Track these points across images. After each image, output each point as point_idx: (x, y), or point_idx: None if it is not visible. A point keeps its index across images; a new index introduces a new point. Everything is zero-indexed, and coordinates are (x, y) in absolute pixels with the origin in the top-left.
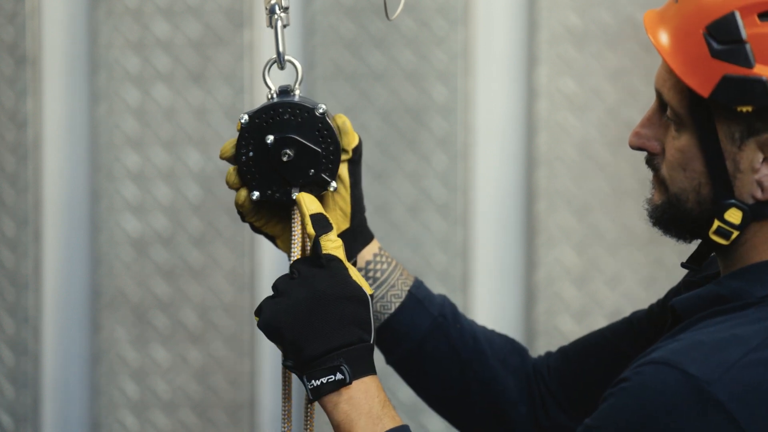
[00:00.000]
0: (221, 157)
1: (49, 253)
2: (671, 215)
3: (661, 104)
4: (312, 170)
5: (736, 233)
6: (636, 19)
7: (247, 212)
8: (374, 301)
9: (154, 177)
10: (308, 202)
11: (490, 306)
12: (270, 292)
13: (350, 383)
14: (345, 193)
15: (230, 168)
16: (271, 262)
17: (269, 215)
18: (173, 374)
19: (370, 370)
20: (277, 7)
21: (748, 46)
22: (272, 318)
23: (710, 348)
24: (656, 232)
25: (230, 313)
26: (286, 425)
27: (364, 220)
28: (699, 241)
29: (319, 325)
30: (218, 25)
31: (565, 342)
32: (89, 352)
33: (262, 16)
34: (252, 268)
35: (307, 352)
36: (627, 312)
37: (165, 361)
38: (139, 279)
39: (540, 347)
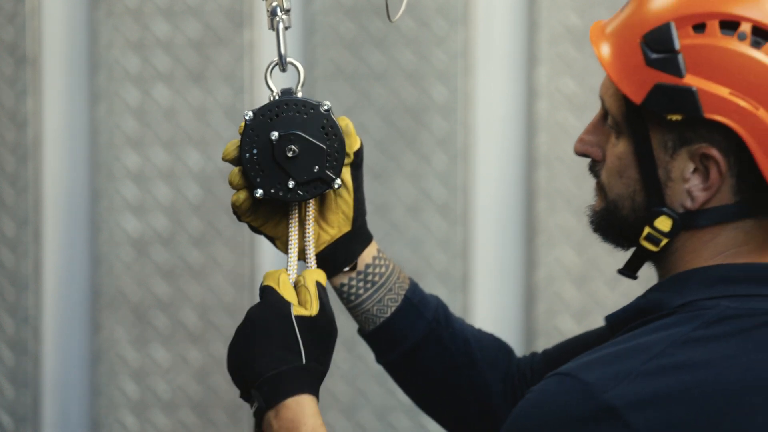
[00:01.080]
0: (224, 159)
1: (49, 253)
2: (609, 221)
3: (604, 112)
4: (317, 167)
5: (665, 240)
6: None
7: (243, 213)
8: (371, 304)
9: (154, 177)
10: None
11: (490, 306)
12: None
13: (265, 408)
14: (348, 197)
15: (234, 169)
16: (271, 262)
17: (266, 216)
18: (173, 374)
19: (298, 390)
20: (278, 9)
21: (680, 57)
22: (228, 352)
23: (613, 357)
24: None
25: (230, 313)
26: None
27: (364, 223)
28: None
29: (249, 352)
30: (218, 25)
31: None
32: (89, 352)
33: (262, 16)
34: (252, 268)
35: (242, 380)
36: None
37: (165, 361)
38: (139, 279)
39: (540, 347)
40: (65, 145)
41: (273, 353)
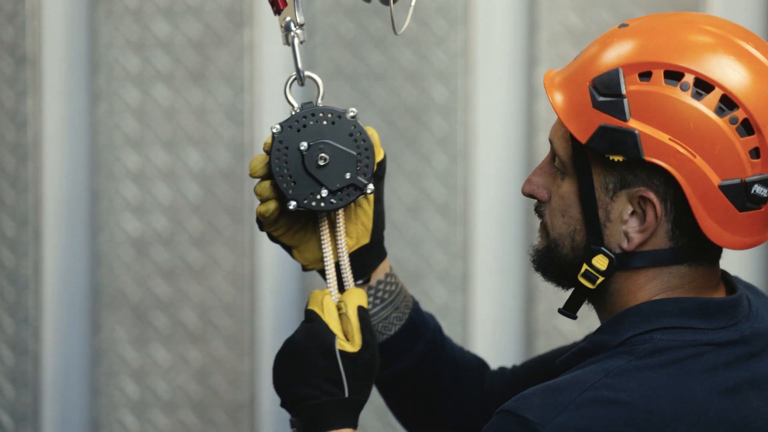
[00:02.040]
0: (252, 176)
1: (49, 253)
2: (549, 260)
3: (552, 154)
4: (348, 174)
5: (601, 278)
6: None
7: (268, 224)
8: (377, 321)
9: (154, 177)
10: None
11: (490, 306)
12: (270, 293)
13: None
14: (368, 208)
15: (263, 182)
16: (271, 262)
17: (288, 225)
18: (173, 374)
19: (337, 424)
20: (292, 24)
21: (626, 101)
22: (273, 370)
23: (550, 391)
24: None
25: (230, 313)
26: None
27: (382, 238)
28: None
29: (291, 376)
30: (218, 25)
31: (564, 342)
32: (89, 352)
33: (262, 16)
34: (252, 268)
35: (281, 399)
36: None
37: (165, 361)
38: (139, 279)
39: (540, 347)
40: (65, 145)
41: (316, 383)
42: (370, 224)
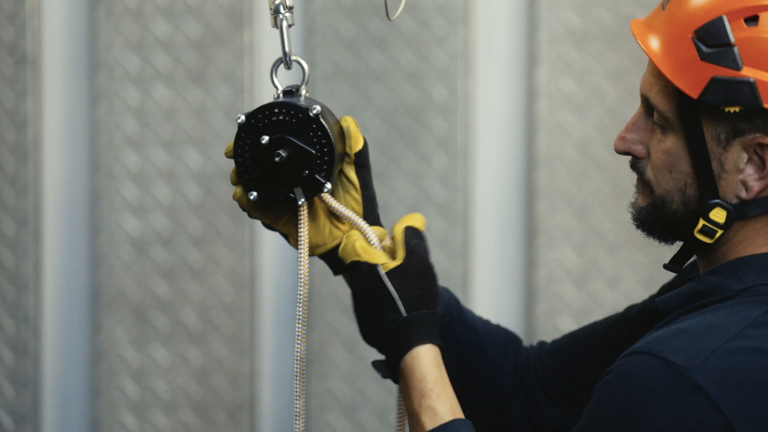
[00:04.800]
0: (226, 155)
1: (49, 253)
2: (656, 216)
3: (647, 109)
4: (306, 171)
5: (720, 232)
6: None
7: (249, 210)
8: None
9: (154, 177)
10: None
11: (490, 306)
12: (270, 293)
13: (385, 376)
14: (356, 195)
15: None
16: (271, 262)
17: (276, 214)
18: (173, 374)
19: (407, 347)
20: (281, 7)
21: (735, 49)
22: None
23: (690, 336)
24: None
25: (230, 313)
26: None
27: (376, 219)
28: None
29: (364, 325)
30: (218, 25)
31: None
32: (89, 352)
33: (263, 16)
34: (252, 268)
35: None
36: None
37: (165, 361)
38: (139, 279)
39: None
40: (65, 145)
41: (377, 319)
42: (360, 209)
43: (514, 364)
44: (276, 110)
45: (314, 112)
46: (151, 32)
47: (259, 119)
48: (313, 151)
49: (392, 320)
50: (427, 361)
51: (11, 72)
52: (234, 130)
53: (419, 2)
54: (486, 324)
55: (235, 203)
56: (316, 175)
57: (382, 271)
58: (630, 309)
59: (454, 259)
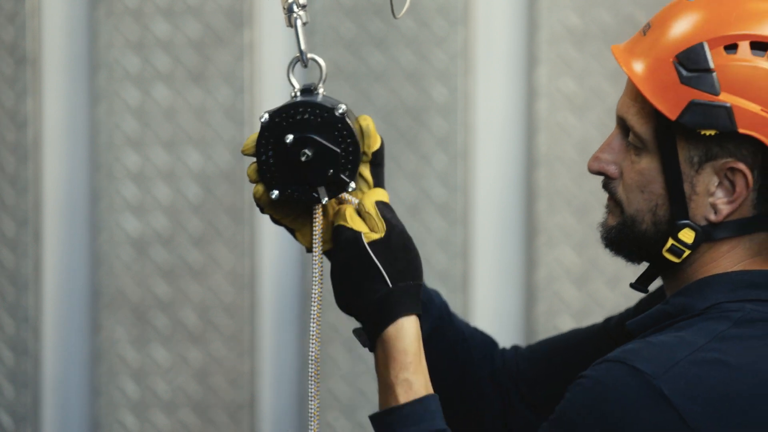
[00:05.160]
0: (244, 153)
1: (49, 253)
2: (625, 236)
3: (623, 130)
4: (331, 170)
5: (687, 252)
6: (636, 19)
7: (265, 205)
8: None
9: (154, 177)
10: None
11: (490, 306)
12: (270, 293)
13: (367, 347)
14: None
15: (253, 164)
16: (271, 262)
17: (288, 210)
18: (173, 374)
19: (391, 317)
20: (294, 6)
21: (714, 75)
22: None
23: (659, 348)
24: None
25: (230, 313)
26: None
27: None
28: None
29: (343, 292)
30: (218, 25)
31: None
32: (89, 352)
33: (263, 16)
34: (252, 268)
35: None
36: None
37: (165, 361)
38: (139, 279)
39: None
40: (65, 145)
41: (360, 288)
42: None
43: (492, 367)
44: (300, 109)
45: (340, 111)
46: (151, 32)
47: (283, 118)
48: (338, 150)
49: (377, 290)
50: (410, 333)
51: (11, 72)
52: (234, 130)
53: (419, 2)
54: (469, 328)
55: (235, 203)
56: (341, 174)
57: (365, 241)
58: (608, 321)
59: (454, 259)
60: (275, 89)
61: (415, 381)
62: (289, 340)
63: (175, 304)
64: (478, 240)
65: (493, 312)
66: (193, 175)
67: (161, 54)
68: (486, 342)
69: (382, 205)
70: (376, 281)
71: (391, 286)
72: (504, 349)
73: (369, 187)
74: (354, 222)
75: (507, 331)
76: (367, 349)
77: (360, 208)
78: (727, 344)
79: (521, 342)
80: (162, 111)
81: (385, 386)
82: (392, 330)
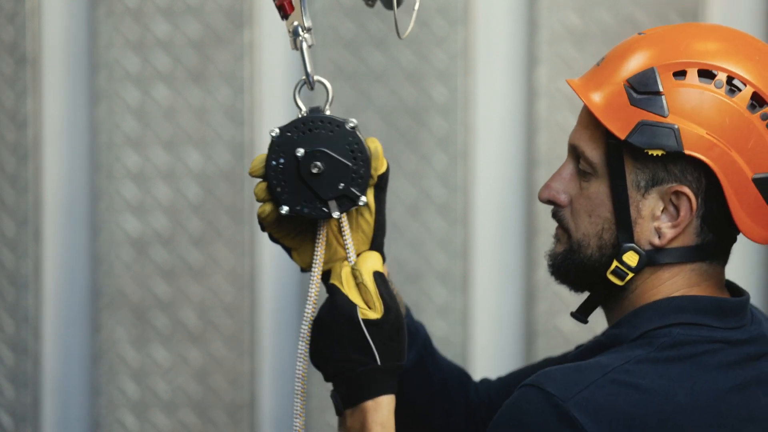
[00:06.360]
0: (251, 174)
1: (49, 253)
2: (571, 261)
3: (574, 159)
4: (342, 184)
5: (630, 275)
6: (636, 19)
7: (268, 225)
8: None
9: (154, 177)
10: None
11: (490, 306)
12: (270, 293)
13: (341, 413)
14: (369, 218)
15: (261, 183)
16: (271, 262)
17: (289, 228)
18: (173, 374)
19: (374, 393)
20: (300, 29)
21: (663, 98)
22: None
23: (573, 371)
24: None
25: (230, 313)
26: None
27: (381, 245)
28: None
29: (325, 351)
30: (218, 25)
31: (564, 343)
32: (89, 352)
33: (263, 16)
34: (252, 268)
35: (323, 375)
36: None
37: (165, 361)
38: (139, 279)
39: (540, 347)
40: (65, 145)
41: (348, 355)
42: (370, 233)
43: (467, 401)
44: (311, 123)
45: (351, 125)
46: (151, 32)
47: (294, 132)
48: (350, 164)
49: (365, 363)
50: (388, 410)
51: (11, 72)
52: (234, 130)
53: (419, 2)
54: (445, 360)
55: (235, 203)
56: (352, 188)
57: (360, 317)
58: (546, 361)
59: (454, 259)
60: (275, 89)
61: None
62: (289, 340)
63: (175, 304)
64: (478, 240)
65: (493, 312)
66: (193, 175)
67: (161, 54)
68: (462, 375)
69: (378, 279)
70: (365, 355)
71: (380, 364)
72: (478, 382)
73: (370, 213)
74: (349, 289)
75: (507, 331)
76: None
77: (356, 275)
78: (641, 366)
79: (521, 342)
80: (162, 111)
81: None
82: (372, 404)
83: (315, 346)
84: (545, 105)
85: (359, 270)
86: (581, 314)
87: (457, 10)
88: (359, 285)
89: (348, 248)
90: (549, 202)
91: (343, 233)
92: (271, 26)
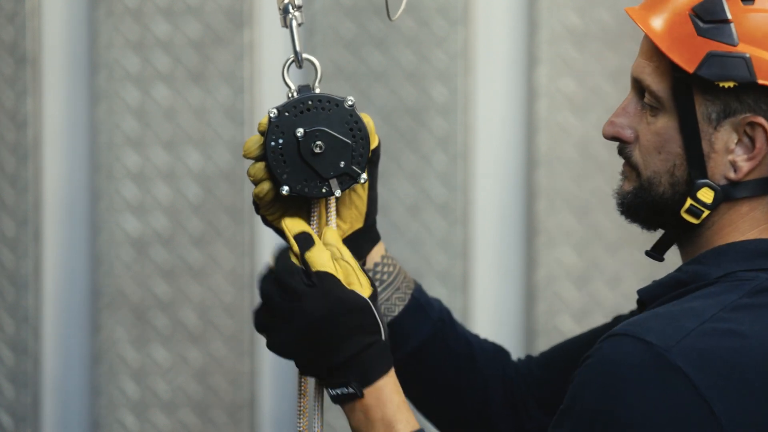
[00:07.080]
0: (246, 156)
1: (49, 253)
2: (642, 199)
3: (638, 92)
4: (342, 162)
5: (706, 212)
6: None
7: (264, 205)
8: (379, 303)
9: (154, 177)
10: (290, 225)
11: (490, 306)
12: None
13: (362, 396)
14: (362, 193)
15: (257, 163)
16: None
17: (284, 210)
18: (173, 374)
19: (385, 368)
20: (290, 7)
21: (732, 26)
22: (281, 348)
23: (666, 319)
24: (655, 233)
25: (230, 313)
26: (301, 420)
27: (374, 222)
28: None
29: (325, 345)
30: (218, 25)
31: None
32: (89, 352)
33: (263, 16)
34: (252, 268)
35: (319, 370)
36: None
37: (165, 361)
38: (139, 279)
39: (540, 347)
40: (65, 145)
41: (356, 341)
42: (364, 209)
43: (503, 376)
44: (309, 102)
45: (349, 103)
46: (151, 32)
47: (292, 112)
48: (350, 142)
49: (371, 343)
50: (395, 379)
51: (11, 72)
52: (234, 130)
53: (419, 2)
54: (476, 336)
55: (235, 203)
56: (353, 166)
57: (365, 295)
58: (618, 319)
59: (454, 259)
60: (275, 89)
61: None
62: None
63: (175, 304)
64: (478, 240)
65: (493, 312)
66: (193, 175)
67: (161, 54)
68: (497, 351)
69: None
70: (371, 333)
71: (383, 337)
72: (518, 360)
73: (362, 188)
74: (328, 266)
75: (507, 331)
76: None
77: (332, 251)
78: (738, 314)
79: (521, 342)
80: (162, 111)
81: (382, 421)
82: (385, 377)
83: (313, 337)
84: (545, 105)
85: (336, 247)
86: (657, 253)
87: (457, 10)
88: (337, 261)
89: (332, 225)
90: (614, 138)
91: (329, 212)
92: (271, 26)
